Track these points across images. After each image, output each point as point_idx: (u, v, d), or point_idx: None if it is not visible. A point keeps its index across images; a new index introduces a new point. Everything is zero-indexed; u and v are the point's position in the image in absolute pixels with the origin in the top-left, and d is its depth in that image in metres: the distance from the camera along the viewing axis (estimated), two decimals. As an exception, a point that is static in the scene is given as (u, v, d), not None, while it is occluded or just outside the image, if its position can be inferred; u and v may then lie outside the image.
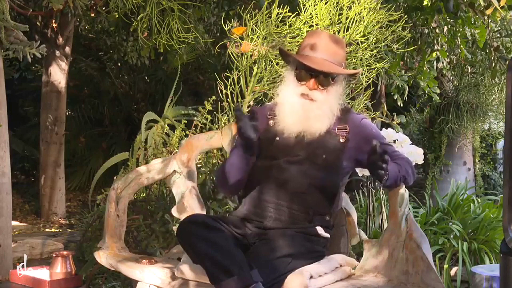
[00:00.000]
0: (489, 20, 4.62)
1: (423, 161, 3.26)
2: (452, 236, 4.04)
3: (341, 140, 2.30)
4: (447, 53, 5.15)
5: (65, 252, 2.86)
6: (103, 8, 5.06)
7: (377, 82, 4.79)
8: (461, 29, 4.79)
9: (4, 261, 3.86)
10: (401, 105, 5.06)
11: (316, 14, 3.25)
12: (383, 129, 3.23)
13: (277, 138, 2.33)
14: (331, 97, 2.28)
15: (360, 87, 3.48)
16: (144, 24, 4.01)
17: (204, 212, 2.49)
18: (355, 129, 2.32)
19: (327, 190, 2.29)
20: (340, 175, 2.32)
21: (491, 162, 8.18)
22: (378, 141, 2.28)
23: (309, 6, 3.25)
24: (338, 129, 2.31)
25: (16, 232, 5.70)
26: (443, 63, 4.94)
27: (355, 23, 3.26)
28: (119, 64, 8.67)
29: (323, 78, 2.26)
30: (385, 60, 3.51)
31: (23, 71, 9.65)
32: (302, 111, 2.27)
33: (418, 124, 7.84)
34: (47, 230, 6.18)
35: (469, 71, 6.78)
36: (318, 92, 2.27)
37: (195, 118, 3.75)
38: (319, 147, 2.28)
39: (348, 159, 2.31)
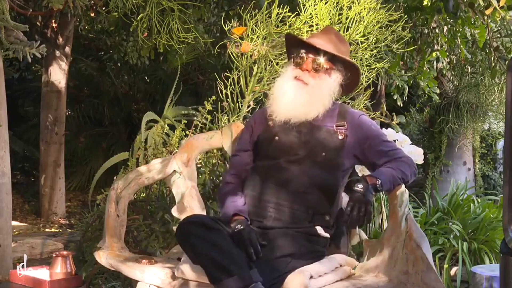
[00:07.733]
0: (489, 20, 4.62)
1: (423, 161, 3.27)
2: (452, 236, 4.04)
3: (340, 137, 2.30)
4: (447, 53, 5.15)
5: (65, 252, 2.85)
6: (103, 8, 5.06)
7: (377, 82, 4.79)
8: (461, 29, 4.80)
9: (4, 261, 3.86)
10: (401, 105, 5.06)
11: (316, 14, 3.25)
12: (383, 129, 3.23)
13: (276, 138, 2.33)
14: (323, 85, 2.31)
15: (360, 87, 3.48)
16: (144, 24, 4.02)
17: (204, 212, 2.50)
18: (353, 125, 2.33)
19: (328, 189, 2.29)
20: (341, 173, 2.33)
21: (491, 162, 8.17)
22: (378, 137, 2.30)
23: (309, 6, 3.25)
24: (336, 126, 2.32)
25: (16, 232, 5.70)
26: (443, 63, 4.94)
27: (355, 23, 3.26)
28: (119, 64, 8.66)
29: (319, 62, 2.30)
30: (385, 60, 3.51)
31: (23, 71, 9.64)
32: (293, 94, 2.30)
33: (418, 124, 7.85)
34: (47, 230, 6.18)
35: (469, 71, 6.78)
36: (310, 76, 2.30)
37: (195, 118, 3.75)
38: (318, 145, 2.28)
39: (348, 156, 2.32)
